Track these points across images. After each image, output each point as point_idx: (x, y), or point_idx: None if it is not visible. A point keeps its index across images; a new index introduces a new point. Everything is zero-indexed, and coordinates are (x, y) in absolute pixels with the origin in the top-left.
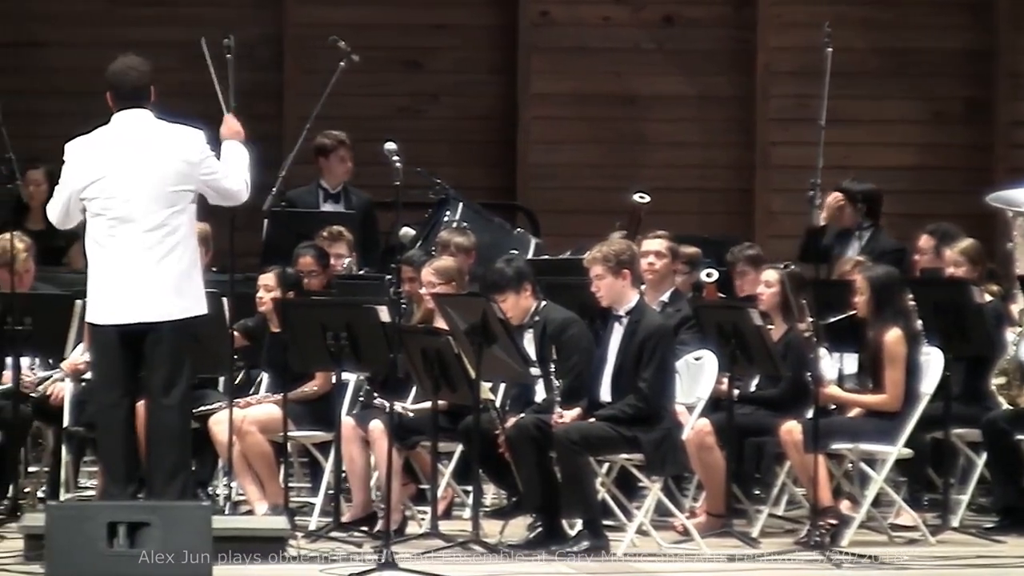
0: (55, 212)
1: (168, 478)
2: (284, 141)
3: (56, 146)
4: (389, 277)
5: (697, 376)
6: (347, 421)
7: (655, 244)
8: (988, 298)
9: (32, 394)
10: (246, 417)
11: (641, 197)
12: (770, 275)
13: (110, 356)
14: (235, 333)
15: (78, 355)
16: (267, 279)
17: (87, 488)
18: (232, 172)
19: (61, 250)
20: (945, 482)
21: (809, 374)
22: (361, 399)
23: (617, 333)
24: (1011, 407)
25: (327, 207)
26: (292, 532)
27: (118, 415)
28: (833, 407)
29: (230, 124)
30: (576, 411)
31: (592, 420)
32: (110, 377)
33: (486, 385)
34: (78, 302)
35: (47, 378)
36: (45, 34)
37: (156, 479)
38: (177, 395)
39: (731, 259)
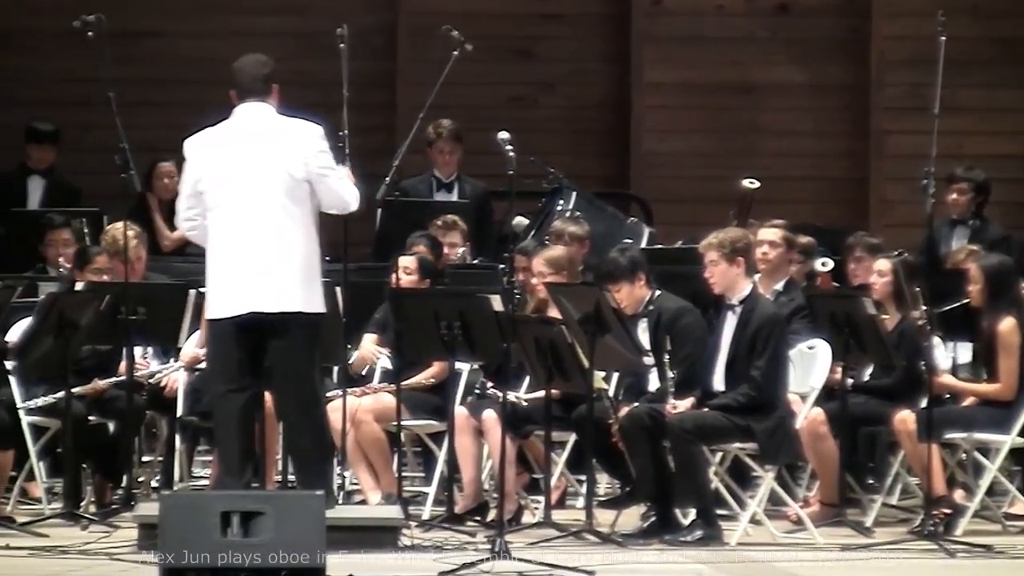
0: (181, 218)
1: (308, 476)
2: (397, 130)
3: (169, 136)
4: (502, 267)
5: (810, 365)
6: (460, 411)
7: (770, 233)
8: None
9: (149, 381)
10: (360, 406)
11: (751, 182)
12: (883, 264)
13: (226, 347)
14: (374, 335)
15: (195, 347)
16: (408, 261)
17: (201, 477)
18: (346, 181)
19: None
20: None
21: (923, 363)
22: (477, 391)
23: (730, 322)
24: None
25: (439, 196)
26: (405, 522)
27: (231, 406)
28: (947, 396)
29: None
30: (689, 400)
31: (705, 409)
32: (225, 368)
33: (599, 374)
34: (191, 291)
35: (160, 371)
36: (158, 24)
37: (300, 475)
38: (311, 389)
39: (853, 242)
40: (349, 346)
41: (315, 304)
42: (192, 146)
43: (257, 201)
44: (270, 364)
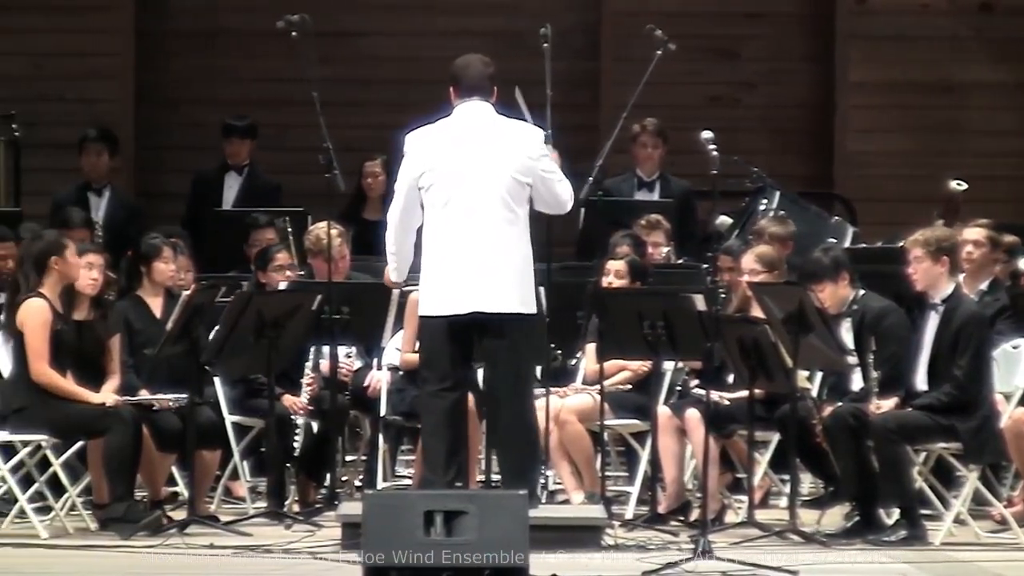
0: (395, 213)
1: (515, 477)
2: (600, 130)
3: (371, 136)
4: (706, 266)
5: (1015, 365)
6: (663, 410)
7: (974, 233)
8: None
9: (343, 378)
10: (564, 406)
11: (959, 184)
12: None
13: (439, 345)
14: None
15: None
16: (618, 265)
17: (404, 477)
18: (566, 183)
19: None
20: None
21: None
22: (678, 389)
23: (933, 321)
24: None
25: (640, 195)
26: (609, 521)
27: (441, 405)
28: None
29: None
30: (893, 400)
31: (909, 409)
32: (437, 367)
33: (803, 374)
34: (395, 291)
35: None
36: (362, 23)
37: (504, 477)
38: (522, 392)
39: None
40: (553, 344)
41: (530, 304)
42: (414, 141)
43: (483, 200)
44: (484, 363)
